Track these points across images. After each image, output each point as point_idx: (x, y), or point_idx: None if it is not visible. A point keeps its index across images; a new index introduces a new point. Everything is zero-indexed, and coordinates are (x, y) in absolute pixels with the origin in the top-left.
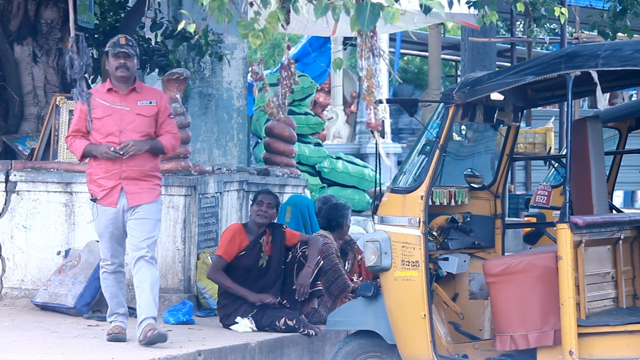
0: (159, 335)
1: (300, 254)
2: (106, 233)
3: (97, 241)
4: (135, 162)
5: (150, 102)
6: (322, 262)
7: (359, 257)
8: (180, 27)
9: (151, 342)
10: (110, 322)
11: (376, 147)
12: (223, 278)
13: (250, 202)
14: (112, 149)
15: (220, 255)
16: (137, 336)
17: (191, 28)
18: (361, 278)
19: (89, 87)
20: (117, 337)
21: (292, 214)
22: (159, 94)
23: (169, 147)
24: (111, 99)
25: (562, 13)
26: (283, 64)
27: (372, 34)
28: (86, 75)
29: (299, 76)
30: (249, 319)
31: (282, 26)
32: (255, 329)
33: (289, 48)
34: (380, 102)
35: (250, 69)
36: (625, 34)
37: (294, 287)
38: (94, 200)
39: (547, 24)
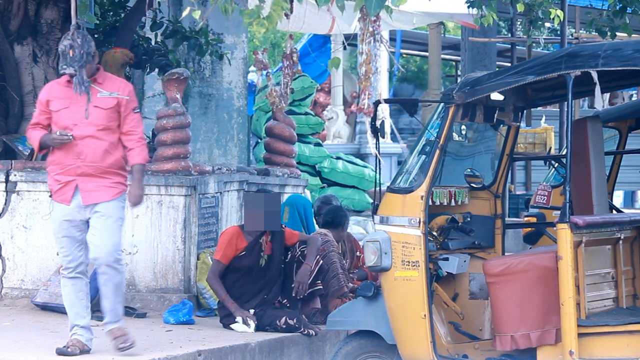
0: (130, 345)
1: (300, 253)
2: (60, 232)
3: None
4: (92, 158)
5: (111, 94)
6: (321, 261)
7: (358, 253)
8: (184, 13)
9: (127, 353)
10: (71, 335)
11: (376, 147)
12: (219, 287)
13: None
14: (57, 132)
15: (218, 260)
16: (108, 341)
17: (196, 14)
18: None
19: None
20: (66, 352)
21: (290, 213)
22: (122, 85)
23: (144, 159)
24: (71, 92)
25: (557, 15)
26: (285, 53)
27: (374, 18)
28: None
29: (299, 76)
30: (250, 321)
31: (286, 15)
32: (252, 330)
33: (291, 38)
34: (379, 102)
35: (254, 57)
36: (625, 33)
37: (292, 286)
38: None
39: (546, 25)
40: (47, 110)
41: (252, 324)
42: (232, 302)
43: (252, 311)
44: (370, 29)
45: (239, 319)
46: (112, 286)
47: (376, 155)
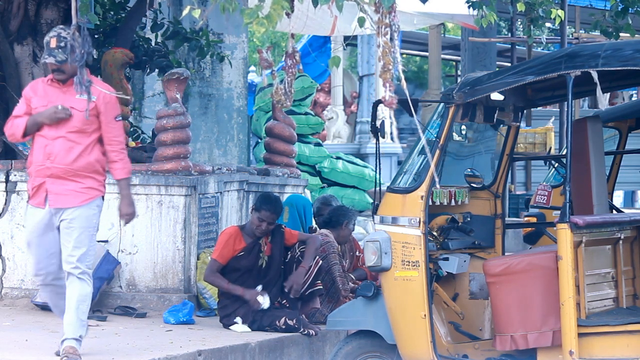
0: None
1: (299, 253)
2: (33, 238)
3: (98, 242)
4: (61, 160)
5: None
6: (321, 261)
7: (358, 253)
8: (184, 12)
9: None
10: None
11: (377, 147)
12: (220, 280)
13: (252, 205)
14: (60, 106)
15: (215, 259)
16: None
17: (196, 13)
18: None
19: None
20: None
21: (290, 213)
22: (101, 89)
23: (129, 171)
24: (51, 91)
25: (558, 15)
26: (287, 52)
27: (390, 9)
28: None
29: (299, 76)
30: (260, 297)
31: (287, 14)
32: (267, 305)
33: (293, 37)
34: (380, 102)
35: (259, 55)
36: (628, 33)
37: (284, 284)
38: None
39: (546, 25)
40: (30, 105)
41: (265, 299)
42: (237, 287)
43: (259, 288)
44: (387, 21)
45: (238, 319)
46: (76, 297)
47: (376, 156)
